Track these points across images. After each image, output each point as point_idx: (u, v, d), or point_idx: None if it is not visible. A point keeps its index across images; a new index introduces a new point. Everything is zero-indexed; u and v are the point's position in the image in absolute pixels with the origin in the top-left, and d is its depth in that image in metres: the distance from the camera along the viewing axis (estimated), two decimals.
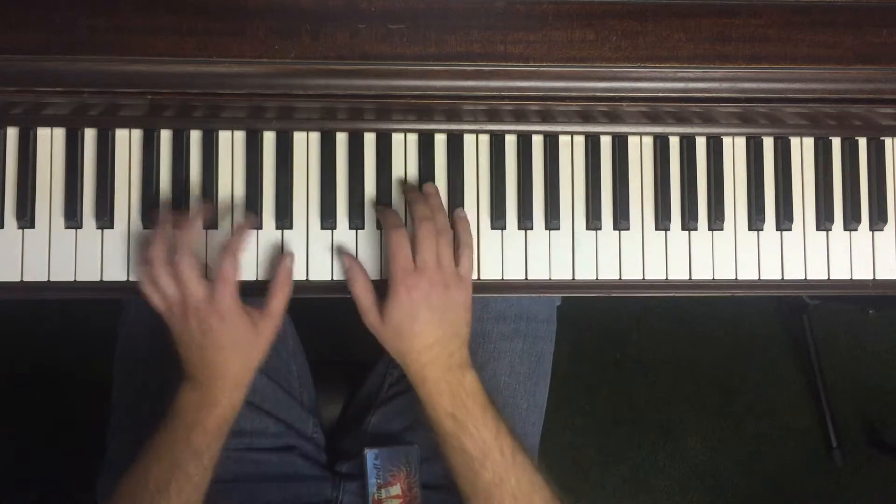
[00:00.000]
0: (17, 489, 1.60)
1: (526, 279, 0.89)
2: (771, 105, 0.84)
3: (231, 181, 0.87)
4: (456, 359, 0.82)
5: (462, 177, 0.88)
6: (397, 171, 0.88)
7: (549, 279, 0.89)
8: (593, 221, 0.89)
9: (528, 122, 0.88)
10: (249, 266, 0.86)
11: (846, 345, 1.79)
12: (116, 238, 0.85)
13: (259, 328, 0.82)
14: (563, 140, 0.89)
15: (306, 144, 0.87)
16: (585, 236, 0.89)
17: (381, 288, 0.84)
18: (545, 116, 0.87)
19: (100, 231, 0.85)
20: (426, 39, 0.78)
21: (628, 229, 0.89)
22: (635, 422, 1.76)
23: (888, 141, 0.92)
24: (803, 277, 0.91)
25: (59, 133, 0.86)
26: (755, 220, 0.90)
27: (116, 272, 0.85)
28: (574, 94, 0.82)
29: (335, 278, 0.87)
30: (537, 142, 0.89)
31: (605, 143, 0.90)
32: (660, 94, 0.82)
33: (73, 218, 0.84)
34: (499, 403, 0.97)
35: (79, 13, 0.76)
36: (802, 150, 0.91)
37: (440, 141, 0.89)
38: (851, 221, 0.91)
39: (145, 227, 0.85)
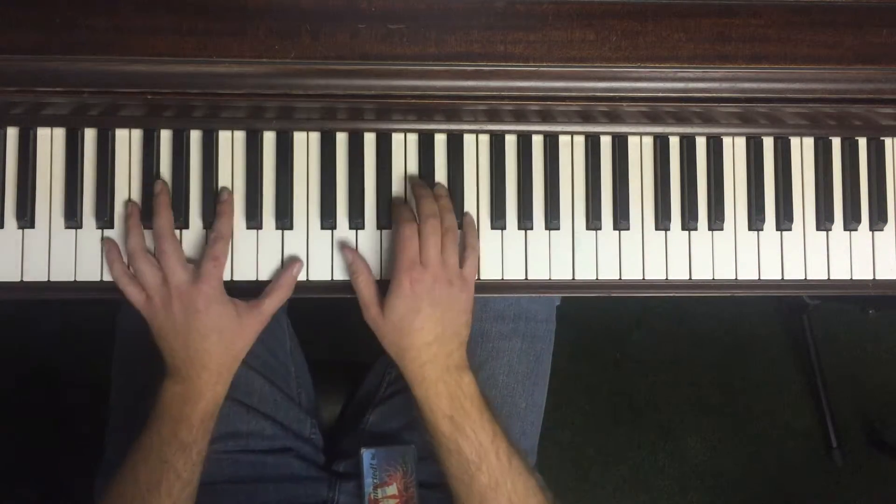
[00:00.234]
0: (17, 489, 1.60)
1: (526, 279, 0.89)
2: (771, 105, 0.84)
3: (231, 181, 0.87)
4: (454, 359, 0.82)
5: (462, 177, 0.88)
6: (397, 171, 0.88)
7: (549, 279, 0.89)
8: (593, 221, 0.89)
9: (528, 122, 0.88)
10: (249, 266, 0.86)
11: (846, 345, 1.79)
12: (116, 238, 0.85)
13: (244, 320, 0.82)
14: (563, 140, 0.89)
15: (306, 144, 0.87)
16: (585, 236, 0.89)
17: (382, 288, 0.84)
18: (545, 116, 0.87)
19: (100, 231, 0.85)
20: (426, 39, 0.78)
21: (628, 229, 0.89)
22: (635, 422, 1.76)
23: (888, 141, 0.92)
24: (803, 277, 0.91)
25: (59, 133, 0.86)
26: (755, 220, 0.90)
27: None
28: (574, 94, 0.82)
29: (335, 278, 0.87)
30: (537, 142, 0.89)
31: (605, 143, 0.90)
32: (660, 94, 0.82)
33: (73, 218, 0.84)
34: (497, 402, 0.98)
35: (79, 13, 0.76)
36: (802, 150, 0.91)
37: (440, 141, 0.89)
38: (851, 221, 0.91)
39: (146, 226, 0.84)
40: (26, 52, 0.76)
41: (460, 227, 0.87)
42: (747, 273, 0.90)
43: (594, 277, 0.89)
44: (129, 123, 0.86)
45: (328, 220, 0.87)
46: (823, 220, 0.90)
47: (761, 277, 0.90)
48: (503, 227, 0.88)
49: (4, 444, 1.58)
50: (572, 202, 0.89)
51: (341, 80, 0.79)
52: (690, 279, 0.90)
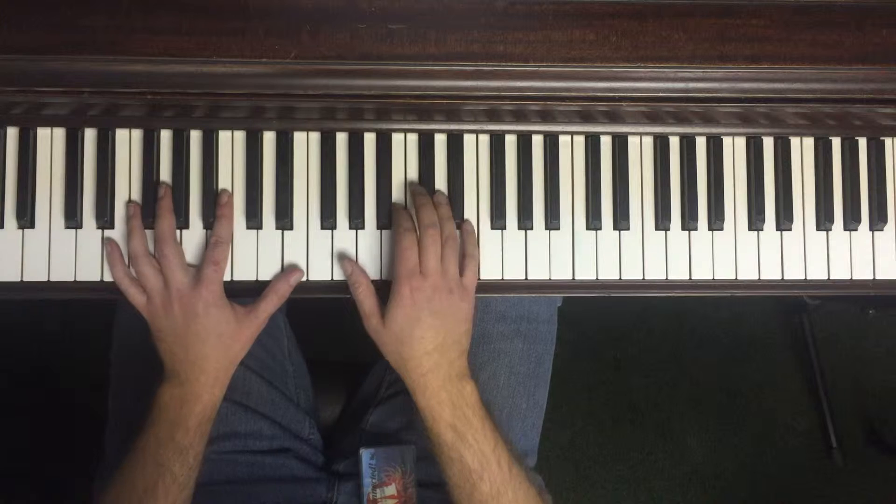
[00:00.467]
0: (17, 489, 1.60)
1: (526, 279, 0.89)
2: (771, 105, 0.84)
3: (231, 181, 0.87)
4: (456, 368, 0.82)
5: (462, 177, 0.88)
6: (397, 171, 0.88)
7: (549, 279, 0.89)
8: (593, 221, 0.89)
9: (528, 122, 0.88)
10: (249, 266, 0.86)
11: (846, 345, 1.79)
12: (116, 238, 0.85)
13: (242, 325, 0.83)
14: (563, 140, 0.89)
15: (306, 144, 0.87)
16: (585, 236, 0.89)
17: (382, 289, 0.84)
18: (545, 116, 0.87)
19: (100, 231, 0.85)
20: (426, 39, 0.78)
21: (628, 229, 0.89)
22: (635, 422, 1.76)
23: (888, 141, 0.92)
24: (803, 277, 0.91)
25: (59, 133, 0.86)
26: (755, 220, 0.90)
27: None
28: (574, 94, 0.82)
29: (335, 278, 0.87)
30: (537, 142, 0.89)
31: (605, 143, 0.90)
32: (660, 94, 0.82)
33: (73, 218, 0.84)
34: (498, 403, 0.98)
35: (79, 13, 0.76)
36: (802, 150, 0.91)
37: (440, 141, 0.89)
38: (851, 221, 0.91)
39: (146, 227, 0.85)
40: (26, 52, 0.76)
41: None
42: (747, 273, 0.90)
43: (594, 277, 0.89)
44: (129, 123, 0.86)
45: (328, 220, 0.87)
46: (823, 220, 0.90)
47: (761, 277, 0.90)
48: (503, 228, 0.88)
49: (4, 445, 1.58)
50: (572, 202, 0.89)
51: (341, 80, 0.79)
52: (690, 279, 0.90)
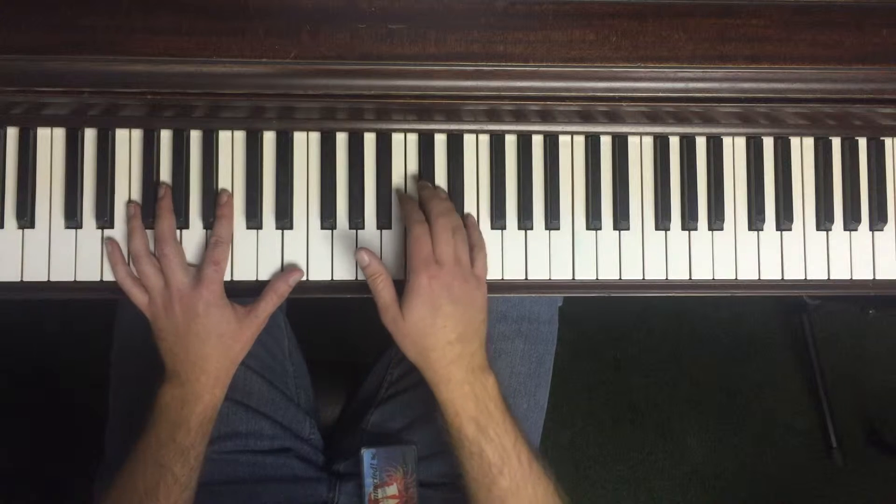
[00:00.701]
0: (17, 489, 1.60)
1: (526, 279, 0.89)
2: (771, 105, 0.84)
3: (231, 181, 0.87)
4: (477, 359, 0.82)
5: (462, 177, 0.88)
6: (397, 171, 0.88)
7: (549, 279, 0.89)
8: (593, 221, 0.89)
9: (528, 122, 0.88)
10: (249, 266, 0.86)
11: (846, 345, 1.79)
12: (117, 238, 0.85)
13: (242, 324, 0.83)
14: (563, 140, 0.89)
15: (306, 144, 0.87)
16: (585, 236, 0.89)
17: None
18: (545, 116, 0.87)
19: (100, 231, 0.85)
20: (426, 39, 0.78)
21: (628, 229, 0.89)
22: (635, 422, 1.76)
23: (888, 141, 0.92)
24: (803, 277, 0.91)
25: (59, 133, 0.86)
26: (755, 220, 0.90)
27: None
28: (574, 94, 0.82)
29: (335, 278, 0.87)
30: (537, 142, 0.89)
31: (605, 143, 0.90)
32: (660, 94, 0.82)
33: (73, 218, 0.84)
34: None
35: (79, 13, 0.76)
36: (802, 150, 0.91)
37: (440, 141, 0.89)
38: (851, 221, 0.91)
39: (147, 226, 0.85)
40: (26, 52, 0.76)
41: None
42: (747, 273, 0.90)
43: (594, 277, 0.89)
44: (129, 123, 0.86)
45: (328, 220, 0.87)
46: (823, 220, 0.90)
47: (761, 277, 0.90)
48: (503, 227, 0.88)
49: (4, 444, 1.58)
50: (572, 202, 0.89)
51: (341, 80, 0.79)
52: (690, 279, 0.90)
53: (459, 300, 0.80)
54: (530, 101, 0.83)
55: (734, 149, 0.91)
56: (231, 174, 0.87)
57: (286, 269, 0.86)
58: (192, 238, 0.86)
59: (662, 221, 0.89)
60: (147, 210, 0.85)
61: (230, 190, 0.86)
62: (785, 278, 0.90)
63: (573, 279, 0.89)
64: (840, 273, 0.91)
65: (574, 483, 1.72)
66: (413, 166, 0.88)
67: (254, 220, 0.86)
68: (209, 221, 0.86)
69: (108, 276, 0.85)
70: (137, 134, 0.86)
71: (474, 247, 0.85)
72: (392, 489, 0.94)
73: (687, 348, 1.77)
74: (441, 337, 0.80)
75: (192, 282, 0.82)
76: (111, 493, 0.82)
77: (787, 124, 0.90)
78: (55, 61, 0.77)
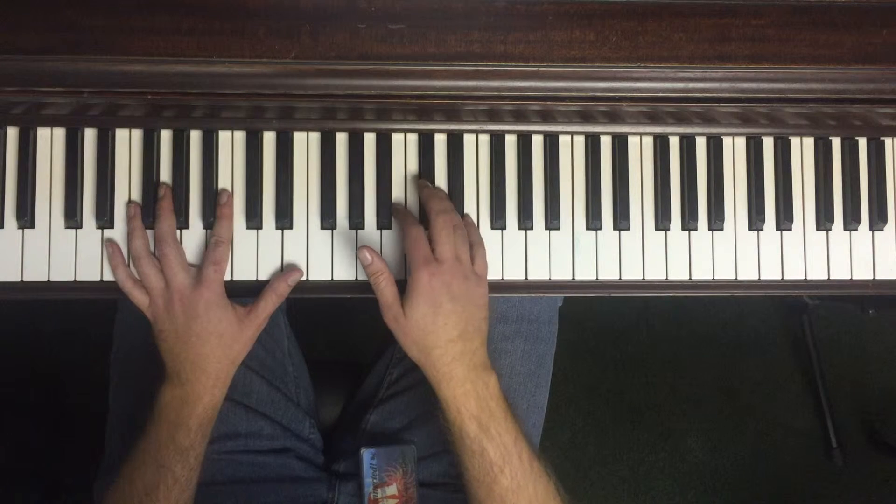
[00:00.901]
0: (18, 489, 1.60)
1: (526, 279, 0.89)
2: (771, 105, 0.84)
3: (231, 181, 0.87)
4: (479, 357, 0.82)
5: (462, 177, 0.88)
6: (397, 171, 0.88)
7: (549, 279, 0.89)
8: (593, 221, 0.89)
9: (528, 122, 0.88)
10: (249, 266, 0.86)
11: (846, 345, 1.79)
12: (117, 238, 0.85)
13: (242, 325, 0.83)
14: (563, 140, 0.89)
15: (306, 144, 0.87)
16: (585, 236, 0.89)
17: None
18: (545, 116, 0.87)
19: (100, 231, 0.85)
20: (426, 39, 0.78)
21: (628, 229, 0.89)
22: (635, 422, 1.76)
23: (888, 141, 0.92)
24: (803, 277, 0.91)
25: (59, 133, 0.86)
26: (755, 220, 0.90)
27: None
28: (574, 94, 0.82)
29: (335, 278, 0.87)
30: (537, 142, 0.89)
31: (605, 143, 0.90)
32: (660, 94, 0.82)
33: (73, 218, 0.84)
34: None
35: (79, 13, 0.76)
36: (802, 150, 0.91)
37: (440, 141, 0.89)
38: (851, 221, 0.91)
39: (147, 227, 0.85)
40: (26, 52, 0.76)
41: None
42: (747, 273, 0.90)
43: (594, 277, 0.89)
44: (129, 123, 0.86)
45: (328, 220, 0.87)
46: (823, 220, 0.90)
47: (761, 277, 0.90)
48: (503, 227, 0.88)
49: (4, 444, 1.58)
50: (572, 202, 0.89)
51: (341, 80, 0.79)
52: (690, 279, 0.90)
53: (460, 298, 0.80)
54: (530, 101, 0.83)
55: (734, 149, 0.91)
56: (231, 174, 0.87)
57: (286, 269, 0.86)
58: (193, 238, 0.86)
59: (662, 221, 0.89)
60: (147, 210, 0.85)
61: (230, 190, 0.86)
62: (785, 278, 0.90)
63: (573, 279, 0.89)
64: (840, 273, 0.91)
65: (574, 483, 1.72)
66: (413, 166, 0.88)
67: (254, 220, 0.86)
68: (209, 221, 0.86)
69: (108, 276, 0.85)
70: (137, 134, 0.86)
71: (474, 244, 0.85)
72: (392, 489, 0.94)
73: (687, 348, 1.77)
74: (442, 335, 0.80)
75: (193, 282, 0.82)
76: (111, 493, 0.82)
77: (787, 124, 0.90)
78: (55, 61, 0.77)
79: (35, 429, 1.62)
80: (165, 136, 0.86)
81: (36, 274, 0.85)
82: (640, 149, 0.90)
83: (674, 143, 0.90)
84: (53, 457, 1.61)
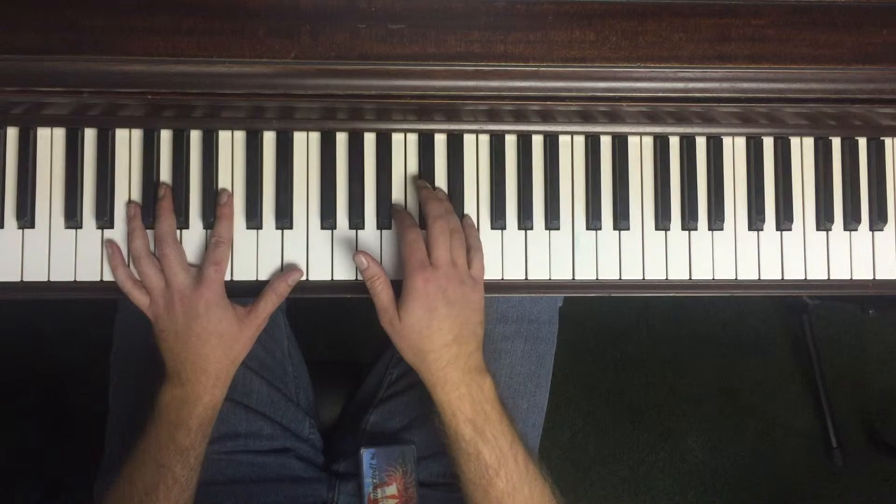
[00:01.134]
0: (18, 489, 1.60)
1: (526, 279, 0.89)
2: (771, 105, 0.84)
3: (231, 181, 0.87)
4: (474, 361, 0.82)
5: (462, 177, 0.88)
6: (397, 171, 0.88)
7: (549, 279, 0.89)
8: (593, 221, 0.89)
9: (528, 122, 0.88)
10: (249, 266, 0.86)
11: (846, 345, 1.79)
12: (116, 238, 0.85)
13: (242, 325, 0.83)
14: (563, 140, 0.89)
15: (306, 144, 0.87)
16: (585, 236, 0.89)
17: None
18: (545, 116, 0.87)
19: (100, 231, 0.85)
20: (426, 39, 0.78)
21: (628, 229, 0.89)
22: (635, 422, 1.76)
23: (888, 141, 0.92)
24: (803, 277, 0.91)
25: (59, 133, 0.86)
26: (755, 220, 0.90)
27: None
28: (574, 94, 0.82)
29: (335, 278, 0.87)
30: (537, 142, 0.89)
31: (605, 143, 0.90)
32: (660, 94, 0.82)
33: (73, 218, 0.84)
34: None
35: (79, 13, 0.76)
36: (802, 150, 0.91)
37: (440, 141, 0.89)
38: (851, 221, 0.91)
39: (147, 226, 0.85)
40: (26, 52, 0.76)
41: None
42: (747, 273, 0.90)
43: (594, 277, 0.89)
44: (129, 123, 0.86)
45: (328, 220, 0.87)
46: (823, 220, 0.90)
47: (761, 277, 0.90)
48: (503, 227, 0.88)
49: (4, 444, 1.58)
50: (572, 202, 0.89)
51: (341, 80, 0.79)
52: (690, 279, 0.90)
53: (455, 302, 0.80)
54: (530, 101, 0.83)
55: (734, 149, 0.91)
56: (231, 174, 0.87)
57: (286, 269, 0.86)
58: (193, 238, 0.86)
59: (662, 221, 0.89)
60: (147, 210, 0.85)
61: (230, 190, 0.86)
62: (785, 278, 0.90)
63: (573, 279, 0.89)
64: (840, 273, 0.91)
65: (574, 483, 1.72)
66: (413, 166, 0.88)
67: (254, 220, 0.86)
68: (209, 221, 0.86)
69: (108, 277, 0.85)
70: (137, 134, 0.86)
71: (471, 248, 0.85)
72: (391, 489, 0.94)
73: (687, 348, 1.77)
74: (437, 339, 0.80)
75: (193, 282, 0.82)
76: (111, 493, 0.82)
77: (787, 124, 0.90)
78: (55, 61, 0.77)
79: (35, 429, 1.62)
80: (165, 136, 0.86)
81: (36, 274, 0.84)
82: (640, 149, 0.90)
83: (674, 143, 0.90)
84: (53, 457, 1.61)
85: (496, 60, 0.79)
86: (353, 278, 0.87)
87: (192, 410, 0.81)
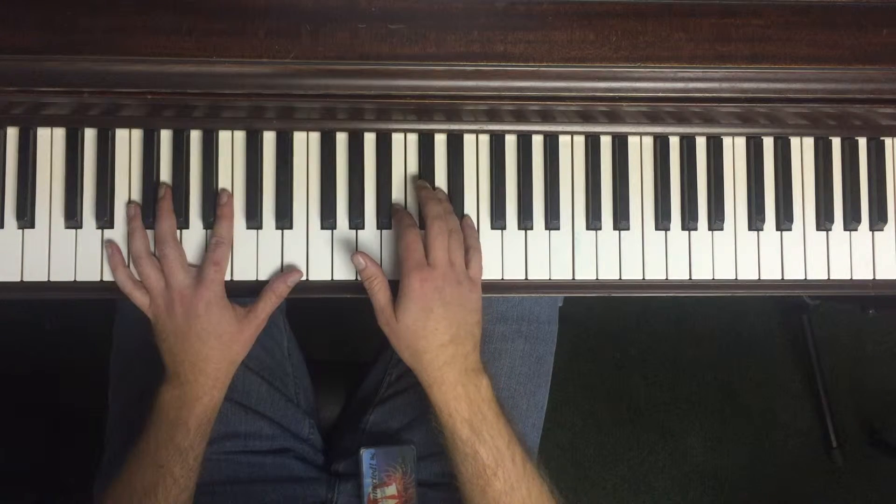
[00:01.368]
0: (17, 489, 1.60)
1: (526, 279, 0.89)
2: (771, 105, 0.84)
3: (231, 181, 0.87)
4: (471, 361, 0.82)
5: (462, 177, 0.88)
6: (397, 171, 0.88)
7: (549, 279, 0.89)
8: (593, 221, 0.89)
9: (528, 122, 0.88)
10: (249, 266, 0.86)
11: (846, 345, 1.79)
12: (116, 238, 0.85)
13: (242, 325, 0.83)
14: (563, 140, 0.89)
15: (306, 144, 0.87)
16: (585, 236, 0.89)
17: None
18: (545, 116, 0.87)
19: (100, 231, 0.85)
20: (426, 39, 0.78)
21: (628, 229, 0.89)
22: (635, 422, 1.76)
23: (888, 141, 0.92)
24: (803, 277, 0.91)
25: (59, 133, 0.86)
26: (755, 220, 0.90)
27: None
28: (574, 94, 0.82)
29: (335, 278, 0.87)
30: (537, 142, 0.89)
31: (605, 143, 0.90)
32: (660, 94, 0.82)
33: (73, 218, 0.84)
34: None
35: (79, 13, 0.76)
36: (802, 150, 0.91)
37: (440, 141, 0.89)
38: (851, 221, 0.91)
39: (147, 227, 0.85)
40: (26, 52, 0.76)
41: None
42: (747, 273, 0.90)
43: (594, 277, 0.89)
44: (129, 123, 0.86)
45: (328, 220, 0.87)
46: (823, 220, 0.90)
47: (761, 277, 0.90)
48: (503, 227, 0.88)
49: (4, 444, 1.58)
50: (572, 202, 0.89)
51: (341, 80, 0.79)
52: (690, 279, 0.90)
53: (451, 303, 0.81)
54: (530, 101, 0.83)
55: (734, 149, 0.91)
56: (231, 174, 0.87)
57: (286, 269, 0.86)
58: (193, 238, 0.86)
59: (662, 221, 0.89)
60: (147, 210, 0.85)
61: (230, 190, 0.86)
62: (785, 278, 0.90)
63: (573, 279, 0.89)
64: (840, 273, 0.91)
65: (574, 483, 1.72)
66: (413, 166, 0.88)
67: (254, 220, 0.86)
68: (209, 221, 0.86)
69: (108, 277, 0.85)
70: (137, 134, 0.86)
71: (470, 249, 0.85)
72: (391, 489, 0.94)
73: (687, 348, 1.77)
74: (433, 339, 0.80)
75: (193, 282, 0.82)
76: (110, 493, 0.82)
77: (787, 124, 0.90)
78: (55, 61, 0.77)
79: (35, 429, 1.62)
80: (165, 136, 0.86)
81: (36, 274, 0.84)
82: (640, 149, 0.90)
83: (674, 143, 0.90)
84: (53, 457, 1.61)
85: (496, 60, 0.79)
86: (353, 278, 0.87)
87: (192, 410, 0.81)
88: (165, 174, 0.86)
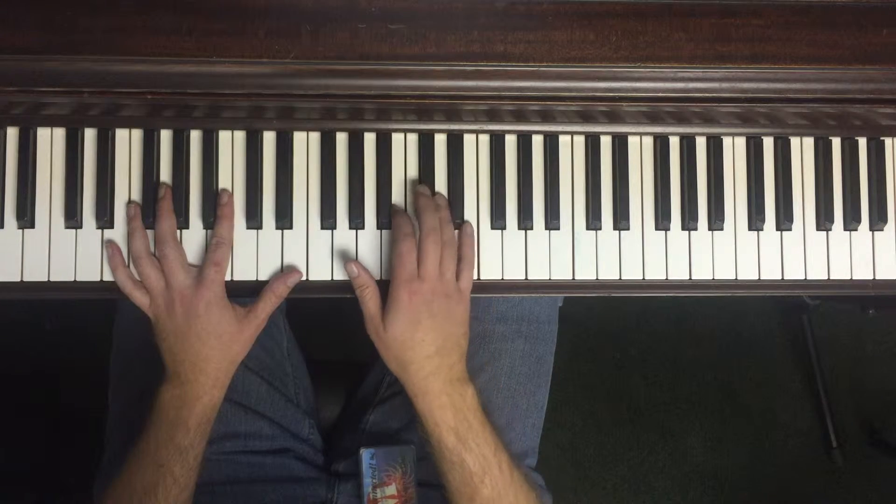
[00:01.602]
0: (17, 489, 1.60)
1: (526, 279, 0.89)
2: (771, 105, 0.84)
3: (231, 181, 0.87)
4: (456, 371, 0.83)
5: (462, 177, 0.88)
6: (397, 171, 0.88)
7: (549, 279, 0.89)
8: (593, 221, 0.89)
9: (528, 122, 0.88)
10: (249, 266, 0.86)
11: (846, 345, 1.79)
12: (116, 238, 0.85)
13: (242, 325, 0.83)
14: (563, 140, 0.89)
15: (306, 144, 0.87)
16: (585, 236, 0.89)
17: (383, 289, 0.84)
18: (545, 116, 0.87)
19: (100, 231, 0.85)
20: (426, 39, 0.78)
21: (628, 229, 0.89)
22: (635, 422, 1.76)
23: (888, 141, 0.92)
24: (803, 277, 0.91)
25: (59, 133, 0.86)
26: (755, 220, 0.90)
27: None
28: (574, 94, 0.82)
29: (335, 278, 0.87)
30: (537, 142, 0.89)
31: (605, 143, 0.90)
32: (660, 94, 0.82)
33: (73, 218, 0.84)
34: (498, 404, 0.98)
35: (79, 13, 0.76)
36: (802, 150, 0.91)
37: (440, 141, 0.89)
38: (851, 221, 0.91)
39: (147, 227, 0.85)
40: (26, 52, 0.76)
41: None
42: (747, 273, 0.90)
43: (594, 277, 0.89)
44: (129, 123, 0.86)
45: (328, 220, 0.87)
46: (823, 220, 0.90)
47: (761, 277, 0.90)
48: (503, 227, 0.88)
49: (4, 444, 1.58)
50: (572, 202, 0.89)
51: (341, 80, 0.79)
52: (690, 279, 0.90)
53: (438, 315, 0.81)
54: (530, 101, 0.83)
55: (734, 149, 0.91)
56: (231, 174, 0.87)
57: (285, 270, 0.86)
58: (193, 238, 0.86)
59: (662, 221, 0.89)
60: (147, 210, 0.85)
61: (230, 190, 0.86)
62: (785, 278, 0.90)
63: (573, 279, 0.89)
64: (840, 273, 0.91)
65: (574, 483, 1.72)
66: (413, 166, 0.88)
67: (254, 221, 0.86)
68: (209, 221, 0.86)
69: (108, 277, 0.85)
70: (137, 134, 0.86)
71: (462, 259, 0.85)
72: (391, 489, 0.94)
73: (687, 348, 1.77)
74: (419, 351, 0.81)
75: (193, 282, 0.82)
76: (110, 493, 0.82)
77: (787, 124, 0.90)
78: (55, 61, 0.77)
79: (35, 429, 1.62)
80: (165, 136, 0.86)
81: (36, 274, 0.84)
82: (640, 149, 0.90)
83: (674, 143, 0.90)
84: (53, 457, 1.61)
85: (496, 60, 0.79)
86: None
87: (191, 410, 0.81)
88: (165, 174, 0.86)
